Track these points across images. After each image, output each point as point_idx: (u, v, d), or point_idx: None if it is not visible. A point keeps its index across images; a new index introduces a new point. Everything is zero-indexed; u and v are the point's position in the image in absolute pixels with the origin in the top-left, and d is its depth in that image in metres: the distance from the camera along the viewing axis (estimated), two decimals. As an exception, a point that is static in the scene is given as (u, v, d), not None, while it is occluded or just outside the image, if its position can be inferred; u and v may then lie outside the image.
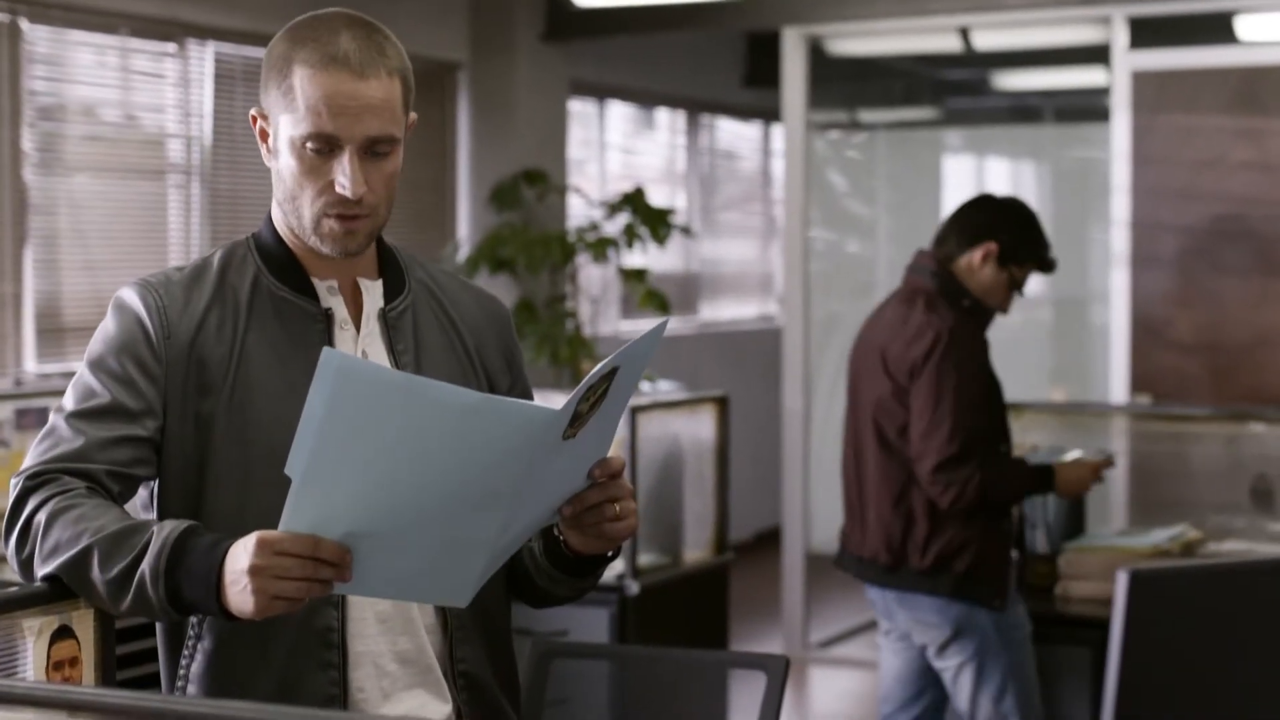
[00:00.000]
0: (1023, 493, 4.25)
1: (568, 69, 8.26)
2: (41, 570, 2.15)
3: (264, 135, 2.28)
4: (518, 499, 2.04)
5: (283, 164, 2.23)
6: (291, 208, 2.25)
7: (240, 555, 2.02)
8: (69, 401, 2.24)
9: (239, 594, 2.02)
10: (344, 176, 2.19)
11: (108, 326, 2.28)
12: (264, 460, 2.19)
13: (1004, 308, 4.28)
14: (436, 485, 1.99)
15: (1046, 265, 4.29)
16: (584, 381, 2.00)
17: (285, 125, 2.21)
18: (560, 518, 2.18)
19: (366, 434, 1.92)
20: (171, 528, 2.10)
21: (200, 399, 2.23)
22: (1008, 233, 4.22)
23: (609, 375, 2.03)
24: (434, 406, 1.93)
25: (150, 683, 2.35)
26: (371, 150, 2.21)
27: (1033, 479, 4.22)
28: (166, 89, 6.46)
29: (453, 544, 2.05)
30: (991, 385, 4.20)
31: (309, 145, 2.19)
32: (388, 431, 1.92)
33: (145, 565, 2.08)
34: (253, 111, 2.29)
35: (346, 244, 2.25)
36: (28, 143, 5.94)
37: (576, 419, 2.02)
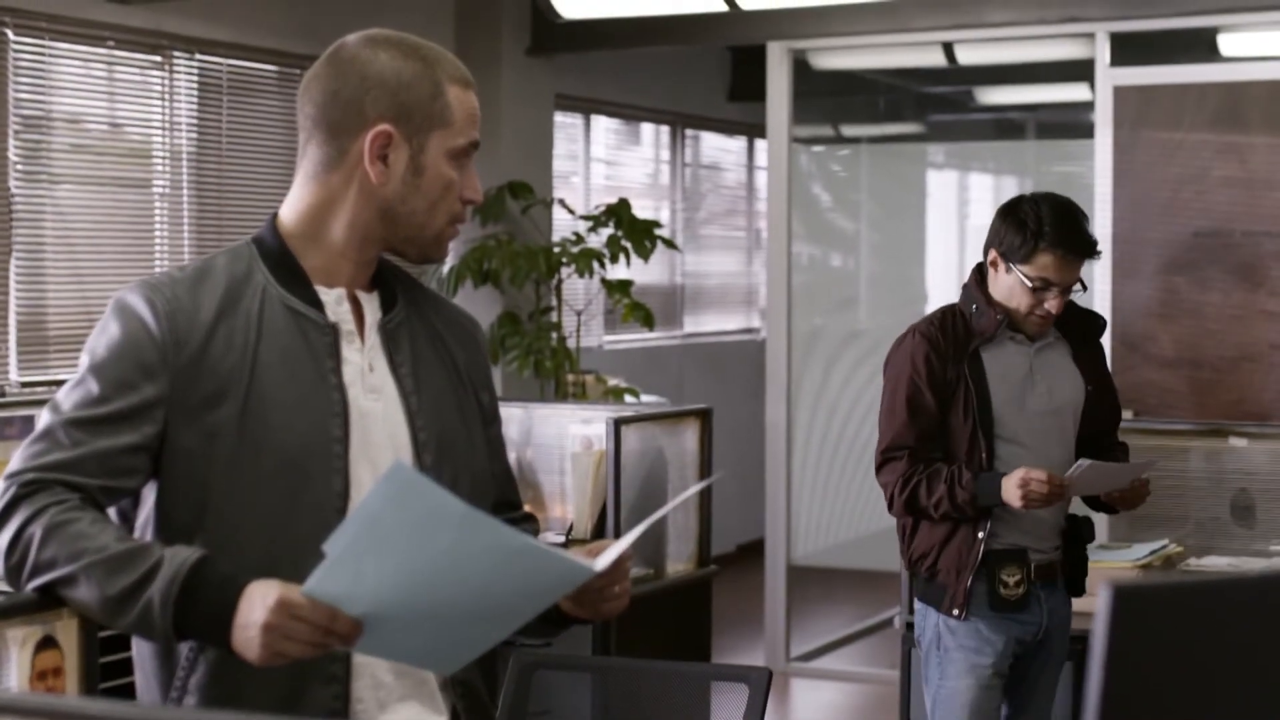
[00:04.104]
0: (965, 500, 3.96)
1: (553, 82, 8.27)
2: (34, 582, 2.14)
3: (384, 155, 2.28)
4: (529, 614, 2.16)
5: (431, 177, 2.29)
6: (426, 217, 2.31)
7: (256, 607, 2.04)
8: (67, 404, 2.21)
9: (245, 640, 2.05)
10: (475, 182, 2.34)
11: (110, 330, 2.23)
12: (274, 472, 2.20)
13: (1031, 313, 4.06)
14: (461, 600, 2.06)
15: (1064, 247, 4.05)
16: (627, 540, 2.16)
17: (440, 139, 2.29)
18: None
19: (411, 542, 1.98)
20: (185, 556, 2.10)
21: (208, 409, 2.20)
22: (1000, 235, 4.09)
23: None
24: (484, 541, 2.00)
25: (134, 693, 2.33)
26: None
27: (980, 486, 3.96)
28: (152, 100, 6.46)
29: (459, 638, 2.14)
30: (946, 390, 4.02)
31: (462, 157, 2.31)
32: (432, 548, 1.98)
33: (155, 591, 2.08)
34: (377, 130, 2.27)
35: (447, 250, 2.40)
36: (13, 153, 5.93)
37: None
